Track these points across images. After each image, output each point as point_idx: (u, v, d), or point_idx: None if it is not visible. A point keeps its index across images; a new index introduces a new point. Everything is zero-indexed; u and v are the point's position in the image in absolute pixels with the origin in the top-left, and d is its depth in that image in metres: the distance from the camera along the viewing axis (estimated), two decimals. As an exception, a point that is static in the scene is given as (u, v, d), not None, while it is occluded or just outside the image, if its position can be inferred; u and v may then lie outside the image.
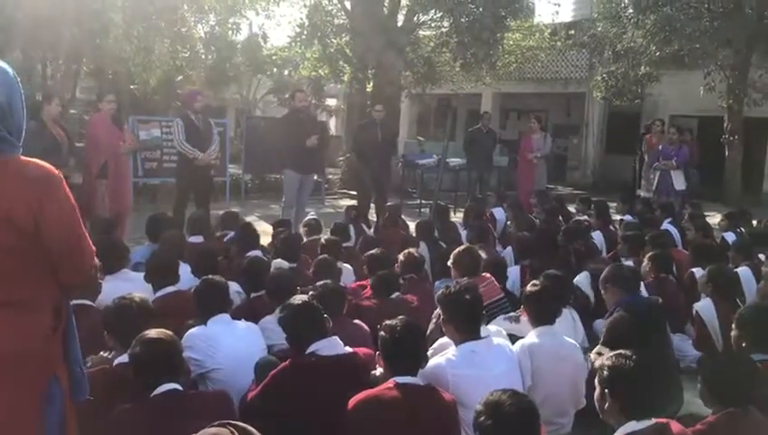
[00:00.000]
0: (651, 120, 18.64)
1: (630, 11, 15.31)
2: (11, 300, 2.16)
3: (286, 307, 3.35)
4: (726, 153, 15.74)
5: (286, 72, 22.98)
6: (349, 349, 3.33)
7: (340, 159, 17.40)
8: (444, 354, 3.29)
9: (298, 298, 3.40)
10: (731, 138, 15.60)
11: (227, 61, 19.95)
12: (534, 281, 3.67)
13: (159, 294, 4.39)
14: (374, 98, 15.42)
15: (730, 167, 15.77)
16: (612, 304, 4.07)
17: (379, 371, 3.27)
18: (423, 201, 13.35)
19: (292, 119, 9.21)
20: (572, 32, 19.68)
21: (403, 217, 9.14)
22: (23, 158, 2.24)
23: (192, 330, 3.81)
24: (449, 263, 4.74)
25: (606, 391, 2.63)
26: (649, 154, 12.57)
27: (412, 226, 8.48)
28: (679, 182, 10.76)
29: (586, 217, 8.97)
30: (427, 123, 25.51)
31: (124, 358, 3.05)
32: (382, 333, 3.05)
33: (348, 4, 15.53)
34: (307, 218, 7.62)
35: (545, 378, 3.42)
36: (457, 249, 4.79)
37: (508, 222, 8.65)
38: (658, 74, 16.24)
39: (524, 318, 4.28)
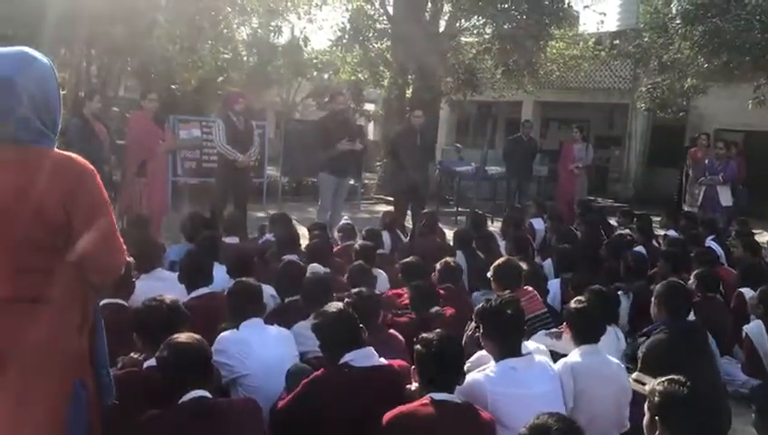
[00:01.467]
0: (696, 133, 18.26)
1: (678, 21, 14.93)
2: (38, 296, 2.10)
3: (321, 314, 3.25)
4: (774, 170, 15.27)
5: (326, 76, 23.01)
6: (384, 360, 3.22)
7: (378, 163, 17.32)
8: (482, 370, 3.15)
9: (333, 306, 3.29)
10: (779, 154, 15.14)
11: (268, 63, 20.06)
12: (579, 297, 3.51)
13: (193, 294, 4.33)
14: (413, 103, 15.34)
15: (777, 184, 15.30)
16: (659, 323, 3.89)
17: (414, 385, 3.16)
18: (460, 209, 13.19)
19: (330, 121, 9.15)
20: (617, 42, 19.31)
21: (439, 224, 9.01)
22: (57, 151, 2.19)
23: (224, 334, 3.73)
24: (489, 275, 4.59)
25: (656, 418, 2.48)
26: (694, 168, 12.26)
27: (449, 234, 8.37)
28: (725, 198, 10.44)
29: (628, 230, 8.76)
30: (465, 130, 25.30)
31: (153, 361, 2.98)
32: (418, 346, 2.93)
33: (390, 9, 15.47)
34: (341, 223, 7.53)
35: (588, 399, 3.26)
36: (498, 261, 4.65)
37: (547, 233, 8.47)
38: (705, 87, 15.82)
39: (567, 335, 4.12)
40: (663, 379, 2.60)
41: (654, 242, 8.06)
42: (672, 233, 8.53)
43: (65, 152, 2.18)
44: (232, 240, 6.35)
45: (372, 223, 9.00)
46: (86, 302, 2.25)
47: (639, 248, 7.42)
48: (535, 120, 21.58)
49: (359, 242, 6.13)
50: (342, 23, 14.97)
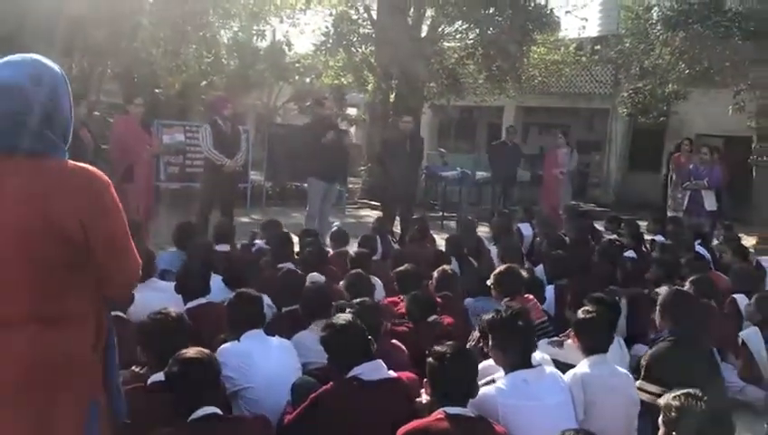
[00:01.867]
0: (676, 138, 18.50)
1: (659, 27, 15.07)
2: (54, 315, 2.02)
3: (330, 327, 3.19)
4: (754, 175, 15.41)
5: (308, 80, 22.88)
6: (392, 373, 3.17)
7: (361, 168, 17.27)
8: (493, 383, 3.12)
9: (342, 317, 3.24)
10: (759, 159, 15.29)
11: (250, 67, 19.89)
12: (587, 307, 3.49)
13: (190, 305, 4.26)
14: (396, 108, 15.30)
15: (758, 189, 15.43)
16: (664, 332, 3.87)
17: (424, 397, 3.12)
18: (446, 214, 13.19)
19: (317, 126, 9.10)
20: (598, 47, 19.46)
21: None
22: (70, 162, 2.12)
23: (225, 346, 3.66)
24: (489, 282, 4.56)
25: (673, 433, 2.46)
26: (678, 173, 12.37)
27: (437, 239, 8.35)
28: (710, 202, 10.54)
29: (615, 235, 8.79)
30: (447, 135, 25.35)
31: (160, 376, 2.91)
32: (431, 359, 2.89)
33: (374, 14, 15.43)
34: (334, 230, 7.47)
35: (598, 411, 3.24)
36: (499, 268, 4.62)
37: (536, 238, 8.47)
38: (686, 92, 15.99)
39: (569, 342, 4.10)
40: (678, 393, 2.58)
41: (643, 247, 8.12)
42: (659, 238, 8.57)
43: (79, 163, 2.11)
44: (223, 248, 6.26)
45: (358, 228, 8.97)
46: (100, 317, 2.18)
47: (630, 253, 7.47)
48: (516, 124, 21.66)
49: (354, 249, 6.07)
50: (326, 27, 14.90)
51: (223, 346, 3.66)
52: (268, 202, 13.85)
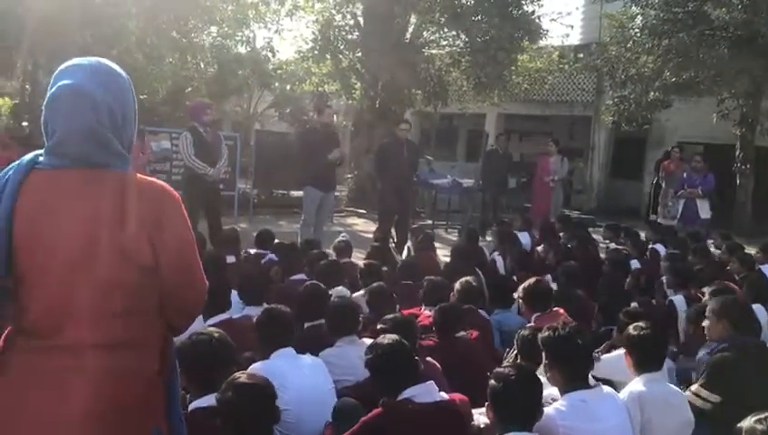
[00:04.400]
0: (658, 145, 18.67)
1: (644, 35, 15.14)
2: (121, 341, 1.85)
3: (375, 347, 3.02)
4: (738, 182, 15.57)
5: (288, 87, 22.65)
6: (445, 395, 3.01)
7: (347, 176, 17.08)
8: (551, 404, 2.97)
9: (388, 338, 3.06)
10: (743, 166, 15.45)
11: (230, 73, 19.61)
12: (640, 323, 3.35)
13: (210, 321, 4.05)
14: (381, 115, 15.17)
15: (741, 196, 15.60)
16: (717, 341, 3.73)
17: (479, 420, 2.96)
18: (436, 222, 13.05)
19: (316, 134, 8.92)
20: (581, 55, 19.54)
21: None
22: (137, 175, 1.94)
23: (256, 365, 3.47)
24: (518, 295, 4.42)
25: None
26: (668, 180, 12.41)
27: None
28: (705, 211, 10.57)
29: (614, 244, 8.75)
30: (428, 143, 25.27)
31: (202, 401, 2.72)
32: (494, 382, 2.73)
33: (361, 20, 15.29)
34: (337, 240, 7.29)
35: (654, 430, 3.11)
36: (528, 281, 4.48)
37: (538, 248, 8.37)
38: (670, 100, 16.10)
39: (605, 357, 3.98)
40: (762, 416, 2.44)
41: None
42: (660, 247, 8.52)
43: (145, 176, 1.94)
44: (230, 259, 6.05)
45: (346, 236, 8.74)
46: (165, 344, 2.00)
47: (635, 263, 7.41)
48: (498, 131, 21.65)
49: (364, 260, 5.88)
50: (312, 33, 14.72)
51: (253, 366, 3.46)
52: (255, 210, 13.60)
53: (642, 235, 9.37)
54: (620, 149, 20.68)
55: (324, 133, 8.86)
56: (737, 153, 15.60)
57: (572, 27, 17.45)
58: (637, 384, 3.22)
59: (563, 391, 2.99)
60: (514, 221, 9.99)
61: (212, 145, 8.25)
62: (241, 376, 2.53)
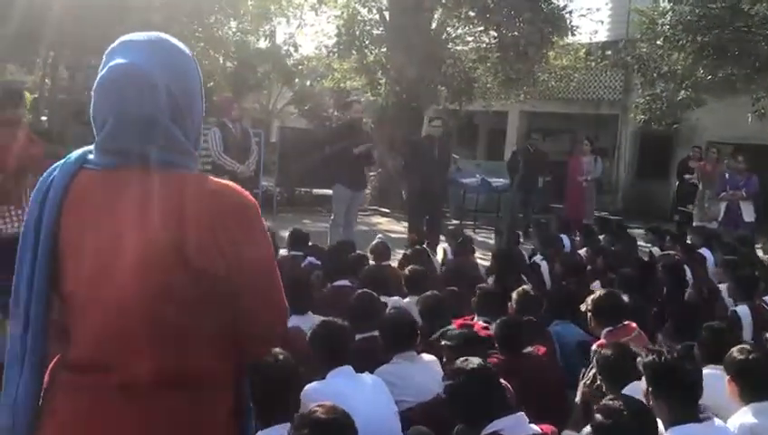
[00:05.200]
0: (686, 144, 18.12)
1: (677, 32, 14.68)
2: (183, 372, 1.50)
3: (458, 373, 2.67)
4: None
5: (308, 83, 22.35)
6: (536, 428, 2.66)
7: (372, 174, 16.72)
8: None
9: (472, 361, 2.72)
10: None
11: (250, 69, 19.33)
12: (744, 346, 3.00)
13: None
14: (405, 112, 14.78)
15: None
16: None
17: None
18: (463, 222, 12.70)
19: (345, 130, 8.60)
20: (609, 52, 19.08)
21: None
22: (208, 176, 1.59)
23: (312, 386, 3.14)
24: (586, 308, 4.05)
25: None
26: (704, 181, 11.98)
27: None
28: (748, 213, 10.14)
29: (656, 247, 8.36)
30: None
31: (268, 434, 2.39)
32: (600, 416, 2.38)
33: (386, 15, 14.93)
34: (374, 243, 6.94)
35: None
36: (597, 293, 4.11)
37: (580, 251, 7.99)
38: (704, 99, 15.63)
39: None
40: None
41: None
42: (707, 252, 8.11)
43: (218, 179, 1.59)
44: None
45: (371, 236, 8.43)
46: (241, 378, 1.66)
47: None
48: (521, 130, 21.26)
49: (408, 267, 5.51)
50: (337, 27, 14.37)
51: (309, 386, 3.14)
52: (278, 208, 13.29)
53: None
54: (647, 149, 20.20)
55: (354, 129, 8.54)
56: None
57: (602, 22, 16.98)
58: (746, 415, 2.86)
59: (669, 424, 2.63)
60: (551, 223, 9.59)
61: (241, 141, 7.99)
62: (317, 409, 2.20)
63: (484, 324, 4.35)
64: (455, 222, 12.84)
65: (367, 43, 14.24)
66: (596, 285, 6.22)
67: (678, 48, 14.83)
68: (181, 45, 1.63)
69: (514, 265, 6.25)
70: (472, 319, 4.66)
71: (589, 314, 4.02)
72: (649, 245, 8.74)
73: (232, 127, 7.96)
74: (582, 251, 7.68)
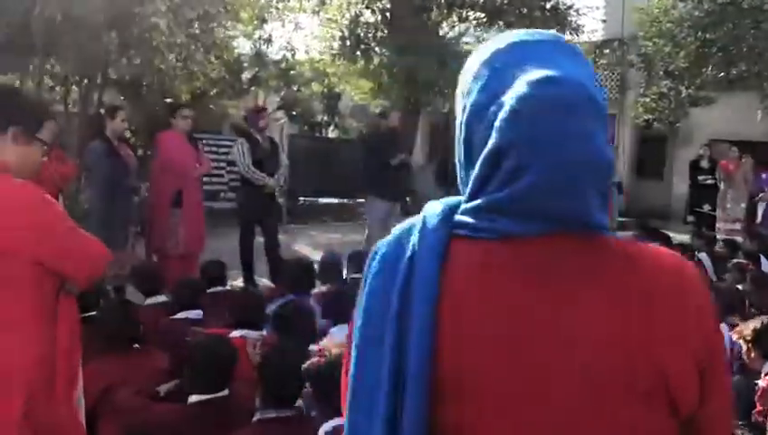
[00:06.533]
0: (686, 143, 17.94)
1: (684, 28, 14.51)
2: None
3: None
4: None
5: (296, 87, 21.81)
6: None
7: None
8: None
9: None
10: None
11: (235, 73, 18.72)
12: None
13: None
14: (416, 116, 14.39)
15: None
16: None
17: None
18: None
19: (383, 140, 8.17)
20: (607, 51, 18.90)
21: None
22: (624, 241, 1.11)
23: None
24: (745, 338, 3.61)
25: None
26: (727, 181, 11.78)
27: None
28: (784, 213, 9.93)
29: (703, 253, 8.02)
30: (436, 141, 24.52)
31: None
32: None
33: (388, 15, 14.48)
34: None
35: None
36: (760, 319, 3.68)
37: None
38: (713, 97, 15.48)
39: None
40: None
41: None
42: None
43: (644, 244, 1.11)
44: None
45: None
46: None
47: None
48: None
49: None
50: (341, 30, 13.90)
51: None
52: (287, 219, 12.76)
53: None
54: (644, 149, 20.04)
55: (391, 139, 8.13)
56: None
57: (605, 21, 16.78)
58: None
59: None
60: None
61: (270, 153, 7.59)
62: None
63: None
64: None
65: (372, 45, 13.77)
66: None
67: (684, 45, 14.69)
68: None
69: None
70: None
71: (746, 345, 3.58)
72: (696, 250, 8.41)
73: (260, 138, 7.54)
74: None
